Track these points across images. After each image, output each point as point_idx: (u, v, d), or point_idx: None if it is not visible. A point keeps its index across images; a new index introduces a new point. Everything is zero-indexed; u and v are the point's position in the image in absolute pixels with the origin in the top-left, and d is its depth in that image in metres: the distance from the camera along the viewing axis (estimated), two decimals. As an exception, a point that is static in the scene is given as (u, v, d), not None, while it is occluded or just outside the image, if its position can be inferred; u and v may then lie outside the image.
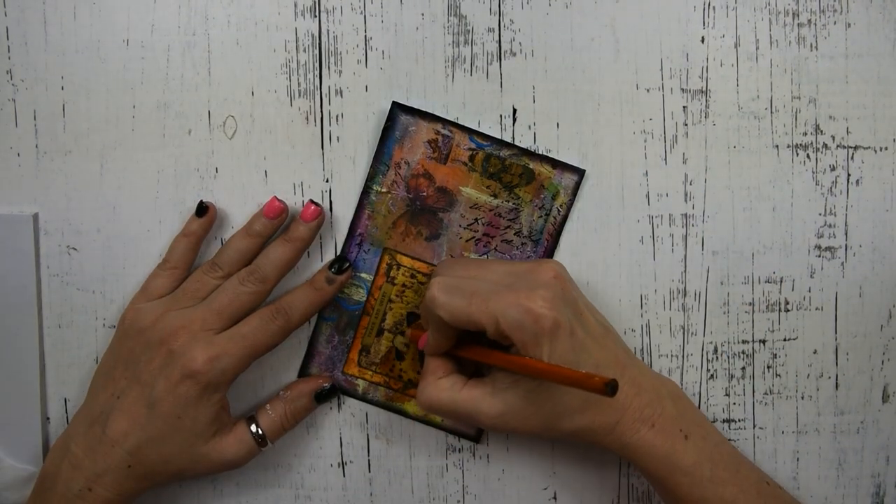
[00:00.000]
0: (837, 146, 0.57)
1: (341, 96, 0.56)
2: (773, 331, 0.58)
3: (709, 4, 0.56)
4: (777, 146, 0.57)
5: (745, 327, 0.57)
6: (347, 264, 0.55)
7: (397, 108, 0.56)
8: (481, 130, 0.56)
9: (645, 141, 0.56)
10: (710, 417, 0.58)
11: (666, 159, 0.56)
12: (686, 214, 0.57)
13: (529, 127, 0.56)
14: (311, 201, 0.55)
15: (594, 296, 0.57)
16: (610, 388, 0.43)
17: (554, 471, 0.58)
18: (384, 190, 0.56)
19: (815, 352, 0.58)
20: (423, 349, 0.53)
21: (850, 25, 0.56)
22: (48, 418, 0.57)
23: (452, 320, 0.49)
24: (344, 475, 0.58)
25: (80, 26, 0.55)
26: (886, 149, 0.57)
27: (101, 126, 0.56)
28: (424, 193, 0.56)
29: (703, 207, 0.57)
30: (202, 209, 0.55)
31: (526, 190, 0.56)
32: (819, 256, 0.57)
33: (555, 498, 0.58)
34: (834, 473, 0.58)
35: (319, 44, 0.56)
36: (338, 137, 0.56)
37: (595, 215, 0.57)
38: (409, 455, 0.58)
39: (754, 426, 0.58)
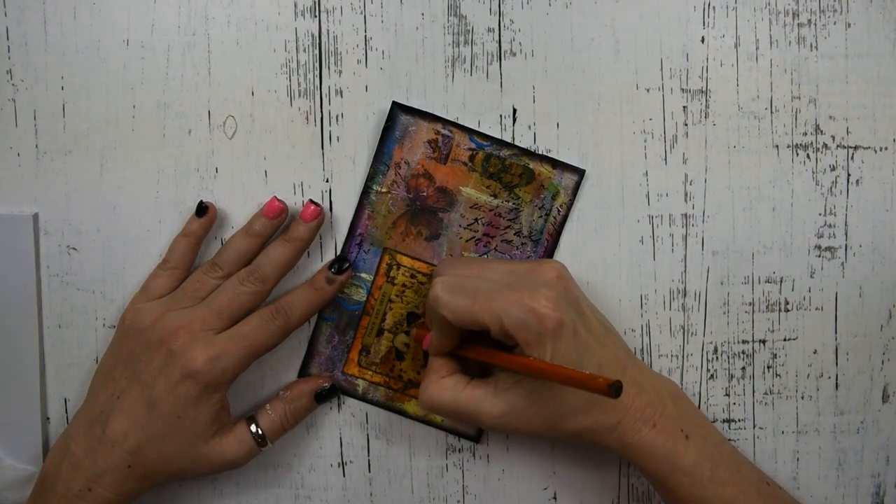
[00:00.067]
0: (837, 146, 0.57)
1: (341, 96, 0.56)
2: (773, 331, 0.58)
3: (709, 4, 0.56)
4: (777, 146, 0.57)
5: (745, 327, 0.57)
6: (347, 264, 0.55)
7: (397, 108, 0.56)
8: (481, 130, 0.56)
9: (645, 141, 0.56)
10: (710, 417, 0.58)
11: (666, 159, 0.56)
12: (686, 214, 0.57)
13: (529, 127, 0.56)
14: (311, 201, 0.55)
15: (594, 296, 0.57)
16: (614, 389, 0.43)
17: (554, 471, 0.58)
18: (384, 190, 0.56)
19: (815, 352, 0.58)
20: (427, 349, 0.53)
21: (850, 25, 0.56)
22: (48, 418, 0.57)
23: (456, 320, 0.49)
24: (344, 475, 0.58)
25: (80, 26, 0.55)
26: (886, 149, 0.57)
27: (101, 126, 0.56)
28: (424, 193, 0.56)
29: (703, 207, 0.57)
30: (202, 209, 0.55)
31: (526, 190, 0.56)
32: (819, 256, 0.57)
33: (555, 498, 0.58)
34: (834, 473, 0.58)
35: (319, 44, 0.56)
36: (338, 137, 0.56)
37: (595, 215, 0.57)
38: (409, 455, 0.58)
39: (754, 426, 0.58)
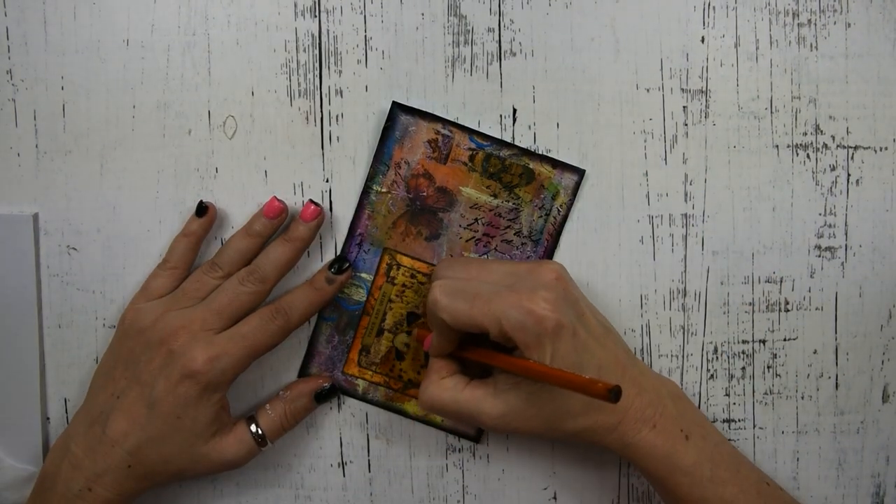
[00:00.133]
0: (837, 146, 0.57)
1: (341, 96, 0.56)
2: (773, 331, 0.58)
3: (709, 4, 0.56)
4: (777, 146, 0.57)
5: (745, 327, 0.57)
6: (347, 264, 0.55)
7: (397, 108, 0.56)
8: (481, 130, 0.56)
9: (645, 141, 0.56)
10: (710, 417, 0.58)
11: (666, 159, 0.56)
12: (686, 214, 0.57)
13: (529, 127, 0.56)
14: (311, 201, 0.55)
15: (594, 296, 0.57)
16: (613, 394, 0.43)
17: (554, 471, 0.58)
18: (384, 190, 0.56)
19: (815, 352, 0.58)
20: (427, 350, 0.53)
21: (850, 25, 0.56)
22: (48, 418, 0.57)
23: (455, 323, 0.49)
24: (344, 475, 0.58)
25: (80, 26, 0.55)
26: (886, 149, 0.57)
27: (101, 126, 0.56)
28: (424, 193, 0.56)
29: (703, 207, 0.57)
30: (202, 209, 0.55)
31: (526, 190, 0.56)
32: (819, 256, 0.57)
33: (555, 498, 0.58)
34: (834, 473, 0.58)
35: (319, 44, 0.56)
36: (338, 137, 0.56)
37: (595, 215, 0.57)
38: (409, 455, 0.58)
39: (754, 426, 0.58)
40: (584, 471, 0.58)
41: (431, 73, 0.56)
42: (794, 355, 0.58)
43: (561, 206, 0.56)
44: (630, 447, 0.51)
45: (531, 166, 0.56)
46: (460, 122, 0.56)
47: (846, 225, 0.57)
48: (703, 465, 0.51)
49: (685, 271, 0.57)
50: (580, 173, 0.56)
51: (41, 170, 0.56)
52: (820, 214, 0.57)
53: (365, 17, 0.56)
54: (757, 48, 0.56)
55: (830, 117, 0.56)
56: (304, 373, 0.58)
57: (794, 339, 0.58)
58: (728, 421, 0.58)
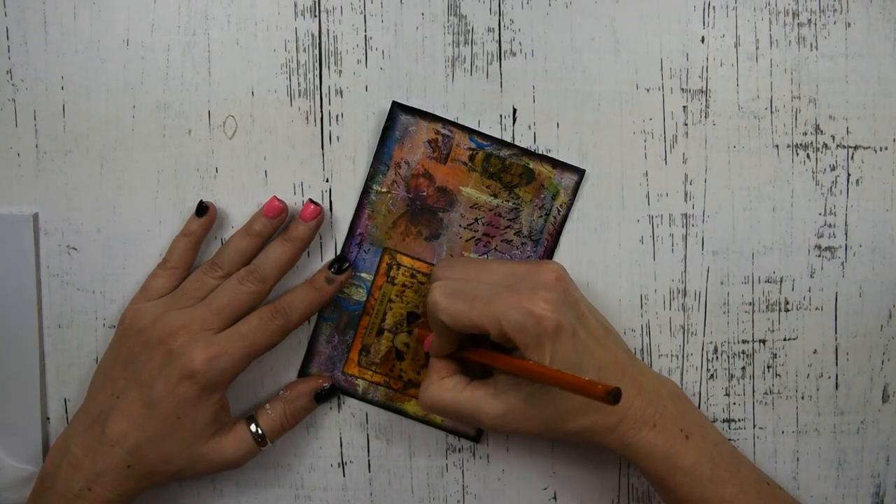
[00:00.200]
0: (837, 146, 0.57)
1: (341, 96, 0.56)
2: (773, 331, 0.57)
3: (709, 4, 0.56)
4: (777, 146, 0.57)
5: (745, 327, 0.57)
6: (347, 264, 0.55)
7: (397, 108, 0.56)
8: (481, 130, 0.56)
9: (645, 141, 0.56)
10: (710, 417, 0.58)
11: (666, 159, 0.56)
12: (686, 214, 0.57)
13: (529, 127, 0.56)
14: (311, 201, 0.55)
15: (594, 296, 0.57)
16: (612, 396, 0.43)
17: (554, 471, 0.58)
18: (384, 190, 0.56)
19: (815, 352, 0.58)
20: (428, 350, 0.53)
21: (850, 25, 0.56)
22: (48, 418, 0.57)
23: (455, 324, 0.49)
24: (344, 475, 0.58)
25: (80, 26, 0.55)
26: (886, 149, 0.57)
27: (101, 126, 0.56)
28: (424, 193, 0.56)
29: (703, 207, 0.57)
30: (202, 209, 0.55)
31: (526, 190, 0.56)
32: (819, 256, 0.57)
33: (555, 498, 0.58)
34: (834, 473, 0.58)
35: (319, 44, 0.56)
36: (338, 137, 0.56)
37: (595, 215, 0.57)
38: (409, 455, 0.58)
39: (754, 426, 0.58)
40: (584, 471, 0.58)
41: (431, 72, 0.56)
42: (794, 355, 0.58)
43: (561, 205, 0.56)
44: (630, 447, 0.51)
45: (531, 166, 0.56)
46: (460, 121, 0.56)
47: (846, 225, 0.57)
48: (703, 465, 0.51)
49: (685, 271, 0.57)
50: (580, 173, 0.56)
51: (41, 170, 0.56)
52: (820, 214, 0.57)
53: (365, 16, 0.56)
54: (757, 48, 0.56)
55: (830, 117, 0.56)
56: (304, 373, 0.58)
57: (794, 339, 0.58)
58: (728, 421, 0.58)
